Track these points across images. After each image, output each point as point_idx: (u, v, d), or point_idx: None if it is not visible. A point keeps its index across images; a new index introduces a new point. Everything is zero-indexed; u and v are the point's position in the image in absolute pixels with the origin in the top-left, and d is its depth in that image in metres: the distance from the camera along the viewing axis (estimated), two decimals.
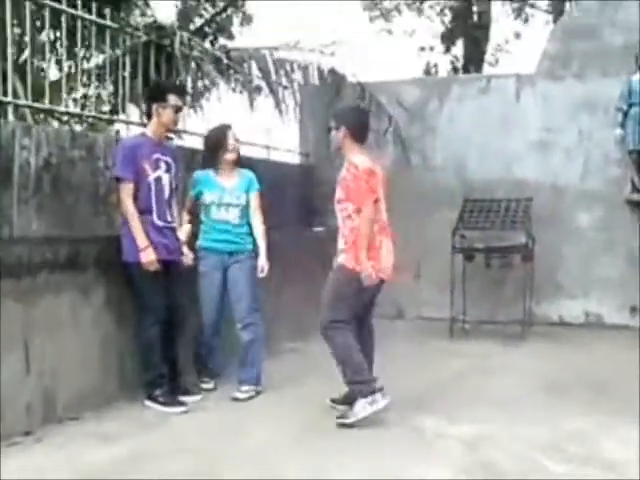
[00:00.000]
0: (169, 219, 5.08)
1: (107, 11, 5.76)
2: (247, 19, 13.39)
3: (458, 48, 14.79)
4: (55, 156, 5.11)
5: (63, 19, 5.40)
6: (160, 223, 4.99)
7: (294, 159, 9.25)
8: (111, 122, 6.60)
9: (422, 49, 16.83)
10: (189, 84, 6.47)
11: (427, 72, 15.27)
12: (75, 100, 7.49)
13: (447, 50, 14.68)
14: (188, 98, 6.59)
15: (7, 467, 3.82)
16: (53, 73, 6.99)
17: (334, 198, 4.92)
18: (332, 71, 7.67)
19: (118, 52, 6.00)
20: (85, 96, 6.73)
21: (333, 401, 5.00)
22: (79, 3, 5.44)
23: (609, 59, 8.26)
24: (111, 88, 6.21)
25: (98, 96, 6.54)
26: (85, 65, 6.24)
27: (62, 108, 5.55)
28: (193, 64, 6.33)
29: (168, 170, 5.10)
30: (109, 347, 4.98)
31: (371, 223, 4.68)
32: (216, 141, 5.49)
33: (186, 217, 5.50)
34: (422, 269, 8.80)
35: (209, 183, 5.46)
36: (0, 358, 4.14)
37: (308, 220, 8.43)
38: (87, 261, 4.84)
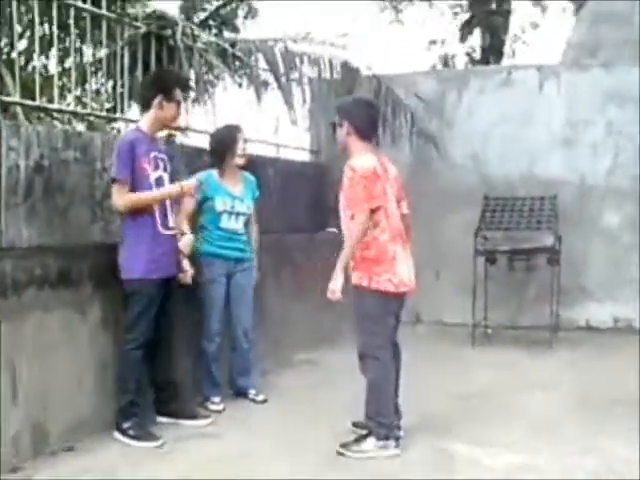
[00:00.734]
0: (171, 225, 4.61)
1: (103, 0, 5.31)
2: (252, 12, 12.92)
3: (475, 38, 14.29)
4: (47, 158, 4.65)
5: (54, 8, 4.94)
6: (164, 231, 4.51)
7: (304, 157, 8.81)
8: (110, 120, 6.12)
9: (433, 42, 16.37)
10: (192, 77, 5.98)
11: (445, 64, 14.77)
12: (77, 98, 7.09)
13: (462, 39, 14.07)
14: (192, 93, 6.12)
15: None
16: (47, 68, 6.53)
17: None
18: (345, 64, 7.19)
19: (116, 44, 5.54)
20: (80, 93, 6.26)
21: (355, 425, 4.55)
22: None
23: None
24: (109, 83, 5.75)
25: (96, 92, 6.09)
26: (80, 59, 5.76)
27: (54, 105, 5.08)
28: (197, 56, 5.86)
29: (165, 169, 4.62)
30: (107, 369, 4.51)
31: (363, 232, 4.15)
32: (224, 144, 5.16)
33: (186, 225, 5.00)
34: (441, 271, 8.36)
35: (217, 188, 5.12)
36: None
37: (320, 221, 7.98)
38: (82, 274, 4.40)
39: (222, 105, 6.84)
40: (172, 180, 4.66)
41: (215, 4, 12.44)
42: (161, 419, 4.75)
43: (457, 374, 6.13)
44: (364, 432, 4.31)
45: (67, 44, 5.28)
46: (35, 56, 5.36)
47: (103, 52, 5.48)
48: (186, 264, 4.84)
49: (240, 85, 7.23)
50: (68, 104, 5.80)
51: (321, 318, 6.80)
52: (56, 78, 5.10)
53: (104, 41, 5.33)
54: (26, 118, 6.09)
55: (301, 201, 7.81)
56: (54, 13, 4.98)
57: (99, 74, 5.56)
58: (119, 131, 7.20)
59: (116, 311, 4.55)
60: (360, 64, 7.38)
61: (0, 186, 4.34)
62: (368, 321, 4.24)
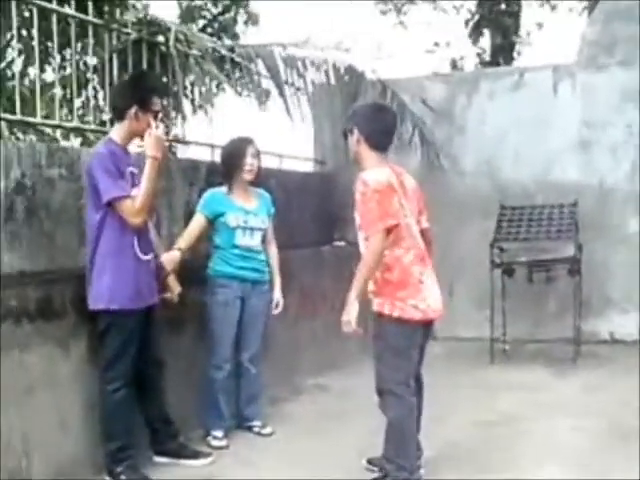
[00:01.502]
0: (151, 249, 4.18)
1: (89, 5, 4.92)
2: (253, 18, 12.59)
3: (483, 39, 13.84)
4: (29, 176, 4.26)
5: (34, 14, 4.56)
6: (143, 257, 4.06)
7: (309, 167, 8.42)
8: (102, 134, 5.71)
9: (437, 44, 15.97)
10: (186, 86, 5.59)
11: (453, 66, 14.34)
12: (70, 111, 6.71)
13: (473, 42, 13.64)
14: (171, 100, 5.68)
15: None
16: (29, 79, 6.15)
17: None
18: (349, 68, 6.80)
19: (104, 52, 5.16)
20: (65, 106, 5.88)
21: (370, 462, 4.14)
22: None
23: None
24: (96, 94, 5.37)
25: (83, 104, 5.71)
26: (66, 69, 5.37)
27: (37, 120, 4.69)
28: (192, 63, 5.47)
29: (139, 185, 4.11)
30: (94, 408, 4.08)
31: (377, 257, 3.67)
32: (231, 159, 4.83)
33: (184, 242, 4.66)
34: (455, 285, 7.94)
35: (229, 203, 4.80)
36: None
37: (328, 234, 7.60)
38: (64, 305, 4.00)
39: (221, 115, 6.48)
40: None
41: (214, 11, 12.15)
42: (159, 459, 4.35)
43: (476, 397, 5.71)
44: (379, 474, 3.90)
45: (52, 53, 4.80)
46: (15, 65, 4.95)
47: (90, 61, 5.08)
48: (172, 282, 4.44)
49: (240, 93, 6.86)
50: (61, 117, 5.41)
51: (330, 340, 6.40)
52: (38, 89, 4.69)
53: (90, 49, 4.93)
54: (11, 134, 5.70)
55: (306, 214, 7.41)
56: (34, 19, 4.59)
57: (89, 85, 5.12)
58: None
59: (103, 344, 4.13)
60: (365, 68, 7.00)
61: None
62: (389, 354, 3.77)
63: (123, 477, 3.97)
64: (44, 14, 4.70)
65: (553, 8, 14.32)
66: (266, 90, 6.78)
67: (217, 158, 5.82)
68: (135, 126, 4.06)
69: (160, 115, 4.19)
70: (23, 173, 4.23)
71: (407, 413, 3.81)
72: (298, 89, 6.52)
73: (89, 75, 5.41)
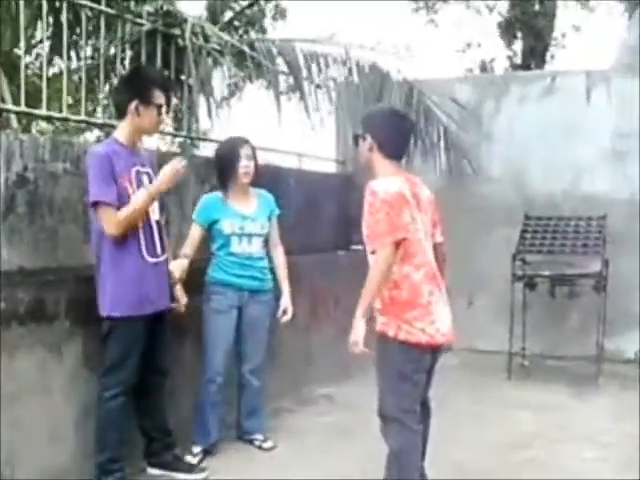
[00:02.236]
0: (159, 252, 3.96)
1: None
2: (280, 12, 12.37)
3: (517, 41, 13.49)
4: (32, 170, 4.08)
5: (44, 2, 4.38)
6: (150, 259, 3.88)
7: (330, 168, 8.19)
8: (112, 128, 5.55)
9: (469, 45, 15.69)
10: (202, 81, 5.37)
11: (483, 69, 14.03)
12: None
13: (507, 44, 13.30)
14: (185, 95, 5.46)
15: None
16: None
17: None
18: (374, 67, 6.56)
19: (117, 44, 4.97)
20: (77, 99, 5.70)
21: None
22: None
23: None
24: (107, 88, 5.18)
25: (90, 98, 5.52)
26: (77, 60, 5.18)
27: (42, 112, 4.51)
28: (207, 58, 5.26)
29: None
30: (88, 417, 3.89)
31: (385, 272, 3.41)
32: (225, 161, 4.56)
33: (189, 249, 4.47)
34: (475, 296, 7.70)
35: (224, 209, 4.55)
36: None
37: (346, 237, 7.37)
38: (58, 306, 3.81)
39: (241, 111, 6.29)
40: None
41: (242, 4, 11.94)
42: (152, 471, 4.16)
43: (491, 416, 5.48)
44: None
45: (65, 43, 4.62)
46: (21, 56, 4.76)
47: (102, 51, 4.88)
48: (179, 291, 4.24)
49: (261, 89, 6.66)
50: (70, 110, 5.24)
51: (342, 348, 6.17)
52: (45, 81, 4.51)
53: (102, 41, 4.74)
54: (25, 128, 5.52)
55: (324, 216, 7.19)
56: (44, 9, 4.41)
57: (100, 77, 4.92)
58: None
59: (100, 350, 3.92)
60: (390, 67, 6.75)
61: None
62: (393, 379, 3.51)
63: None
64: (55, 4, 4.52)
65: (591, 10, 13.87)
66: (288, 87, 6.58)
67: None
68: (138, 122, 3.88)
69: (165, 110, 3.98)
70: (25, 166, 4.06)
71: (411, 442, 3.56)
72: (319, 86, 6.30)
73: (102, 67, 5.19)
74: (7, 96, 5.35)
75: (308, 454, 4.63)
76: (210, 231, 4.58)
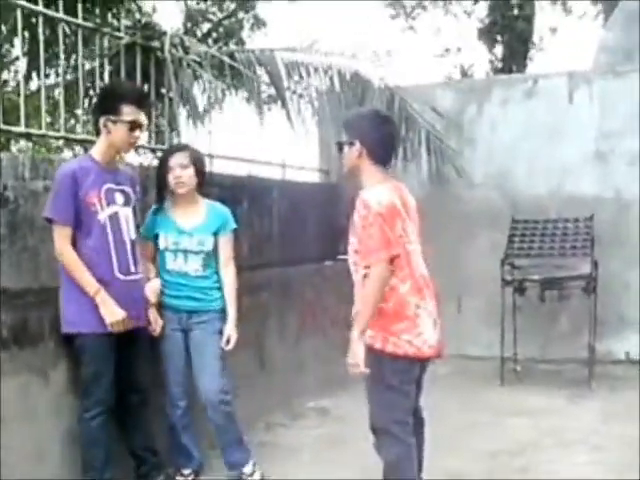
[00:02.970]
0: (133, 270, 3.86)
1: (79, 8, 4.64)
2: (259, 23, 12.31)
3: (496, 45, 13.47)
4: (12, 189, 3.98)
5: (19, 17, 4.29)
6: (123, 277, 3.78)
7: (314, 177, 8.13)
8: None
9: (447, 50, 15.70)
10: (182, 93, 5.29)
11: (463, 73, 14.01)
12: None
13: (488, 48, 13.25)
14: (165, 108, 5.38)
15: None
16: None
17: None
18: (355, 75, 6.50)
19: (94, 58, 4.89)
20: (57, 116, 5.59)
21: None
22: None
23: None
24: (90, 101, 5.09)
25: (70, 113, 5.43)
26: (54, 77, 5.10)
27: (21, 129, 4.41)
28: (187, 69, 5.18)
29: (127, 203, 3.88)
30: (74, 443, 3.78)
31: (380, 289, 3.31)
32: (158, 170, 4.27)
33: (152, 268, 4.25)
34: (464, 301, 7.65)
35: (162, 222, 4.26)
36: None
37: (333, 247, 7.30)
38: (42, 327, 3.72)
39: (222, 124, 6.19)
40: (136, 213, 3.98)
41: (220, 15, 11.87)
42: None
43: (485, 423, 5.42)
44: None
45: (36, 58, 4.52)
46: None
47: (81, 66, 4.79)
48: (153, 314, 4.09)
49: (243, 100, 6.57)
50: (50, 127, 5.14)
51: (333, 359, 6.11)
52: (22, 98, 4.41)
53: (80, 55, 4.65)
54: (3, 146, 5.43)
55: (309, 227, 7.12)
56: (19, 22, 4.31)
57: (80, 92, 4.83)
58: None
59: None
60: (372, 75, 6.69)
61: None
62: (382, 391, 3.42)
63: None
64: (29, 17, 4.43)
65: (568, 12, 13.88)
66: (269, 97, 6.51)
67: (214, 169, 5.55)
68: (110, 139, 3.80)
69: (140, 125, 3.87)
70: (4, 185, 3.95)
71: (405, 455, 3.47)
72: (301, 96, 6.23)
73: (80, 82, 5.11)
74: None
75: (301, 468, 4.53)
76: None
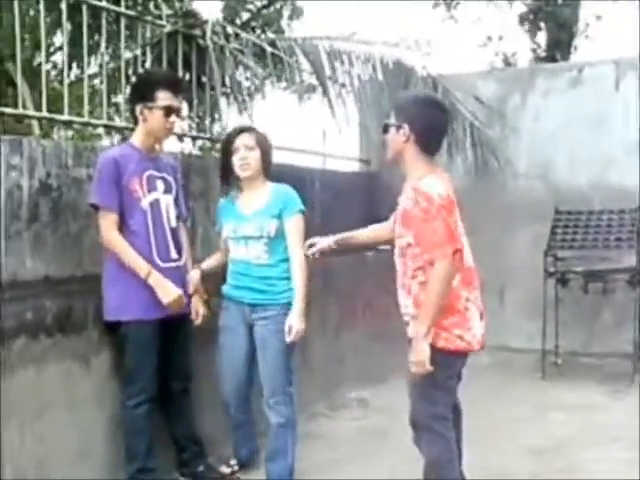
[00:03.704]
0: (174, 256, 3.86)
1: None
2: (297, 12, 12.26)
3: (539, 33, 13.25)
4: (55, 177, 3.99)
5: (64, 6, 4.29)
6: (162, 264, 3.77)
7: (354, 167, 8.08)
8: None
9: (489, 39, 15.49)
10: (227, 81, 5.26)
11: (506, 63, 13.82)
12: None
13: (531, 36, 13.03)
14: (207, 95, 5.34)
15: None
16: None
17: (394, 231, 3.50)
18: (398, 63, 6.42)
19: (137, 46, 4.88)
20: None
21: None
22: None
23: None
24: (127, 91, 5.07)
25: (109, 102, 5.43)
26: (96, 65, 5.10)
27: (64, 117, 4.42)
28: (229, 57, 5.15)
29: (168, 191, 3.89)
30: (117, 430, 3.81)
31: (449, 284, 3.19)
32: (222, 153, 4.11)
33: (208, 261, 4.22)
34: (505, 293, 7.55)
35: (227, 210, 4.13)
36: None
37: None
38: (86, 315, 3.73)
39: (263, 111, 6.18)
40: (177, 201, 3.98)
41: (258, 5, 11.86)
42: None
43: (526, 418, 5.35)
44: None
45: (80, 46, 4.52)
46: (42, 59, 4.68)
47: (123, 54, 4.79)
48: (195, 302, 4.04)
49: (283, 89, 6.55)
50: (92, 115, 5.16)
51: (374, 350, 6.08)
52: (65, 86, 4.43)
53: (122, 43, 4.64)
54: (45, 134, 5.46)
55: (350, 217, 7.05)
56: (64, 12, 4.31)
57: (121, 80, 4.83)
58: None
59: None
60: (414, 63, 6.62)
61: None
62: (428, 386, 3.31)
63: None
64: (73, 6, 4.43)
65: None
66: (310, 86, 6.47)
67: None
68: (148, 126, 3.83)
69: (175, 110, 3.87)
70: (48, 173, 3.96)
71: (446, 450, 3.40)
72: (343, 85, 6.17)
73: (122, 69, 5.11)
74: (29, 103, 5.29)
75: (343, 459, 4.51)
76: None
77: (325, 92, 5.94)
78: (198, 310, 4.06)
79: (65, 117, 4.44)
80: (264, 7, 11.51)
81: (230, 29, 5.35)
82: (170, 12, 5.27)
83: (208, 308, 4.15)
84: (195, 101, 5.23)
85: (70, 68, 5.61)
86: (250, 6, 11.59)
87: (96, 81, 5.50)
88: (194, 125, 5.45)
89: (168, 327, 3.81)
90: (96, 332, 3.78)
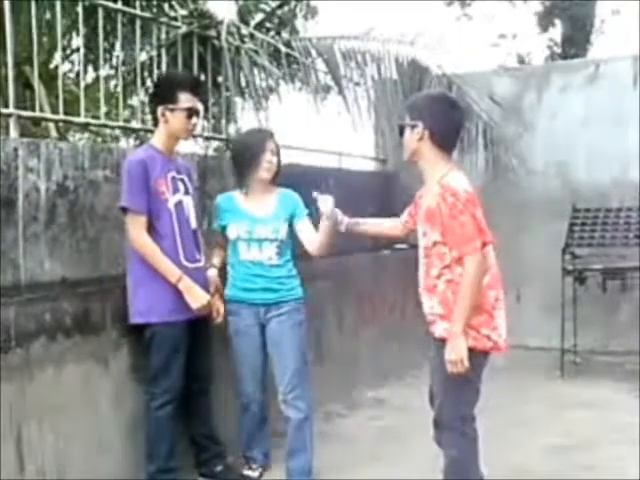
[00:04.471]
0: (198, 257, 3.89)
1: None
2: (312, 11, 12.23)
3: (553, 30, 13.15)
4: (72, 178, 4.01)
5: (80, 9, 4.31)
6: (189, 265, 3.79)
7: (369, 166, 8.07)
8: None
9: (503, 36, 15.42)
10: (242, 82, 5.28)
11: (521, 61, 13.73)
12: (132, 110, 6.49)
13: (544, 30, 12.90)
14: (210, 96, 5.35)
15: None
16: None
17: (418, 229, 3.48)
18: (413, 62, 6.42)
19: (152, 47, 4.90)
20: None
21: None
22: None
23: None
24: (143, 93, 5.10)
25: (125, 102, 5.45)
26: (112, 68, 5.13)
27: (81, 119, 4.45)
28: (245, 58, 5.15)
29: (187, 192, 3.92)
30: (137, 430, 3.82)
31: (479, 282, 3.17)
32: (248, 154, 4.08)
33: (216, 259, 4.22)
34: (523, 291, 7.52)
35: (234, 211, 4.13)
36: None
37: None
38: (104, 316, 3.74)
39: (277, 111, 6.17)
40: (194, 203, 4.00)
41: (272, 5, 11.84)
42: None
43: (546, 416, 5.34)
44: None
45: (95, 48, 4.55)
46: (58, 60, 4.71)
47: (138, 56, 4.81)
48: (215, 301, 4.03)
49: (298, 89, 6.54)
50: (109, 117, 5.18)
51: (391, 349, 6.07)
52: (82, 89, 4.45)
53: (138, 45, 4.66)
54: (61, 137, 5.48)
55: (366, 216, 7.04)
56: (80, 15, 4.34)
57: (137, 82, 4.85)
58: None
59: (147, 359, 3.86)
60: (429, 62, 6.60)
61: (17, 212, 3.72)
62: (455, 386, 3.28)
63: None
64: (90, 10, 4.46)
65: None
66: (325, 85, 6.46)
67: None
68: (169, 127, 3.84)
69: (196, 112, 3.89)
70: (65, 175, 3.99)
71: (470, 450, 3.38)
72: (357, 84, 6.17)
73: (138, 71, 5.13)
74: (46, 106, 5.31)
75: (360, 459, 4.50)
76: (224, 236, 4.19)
77: (340, 91, 5.93)
78: (219, 309, 4.07)
79: (81, 119, 4.47)
80: (278, 7, 11.49)
81: (245, 30, 5.36)
82: (185, 13, 5.28)
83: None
84: (210, 102, 5.24)
85: (86, 71, 5.62)
86: (264, 6, 11.58)
87: (112, 83, 5.51)
88: (209, 126, 5.45)
89: (191, 328, 3.83)
90: (114, 333, 3.79)
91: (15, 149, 3.71)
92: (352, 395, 5.70)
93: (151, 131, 4.25)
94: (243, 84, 5.49)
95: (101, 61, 4.52)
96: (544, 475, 4.21)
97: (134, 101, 5.86)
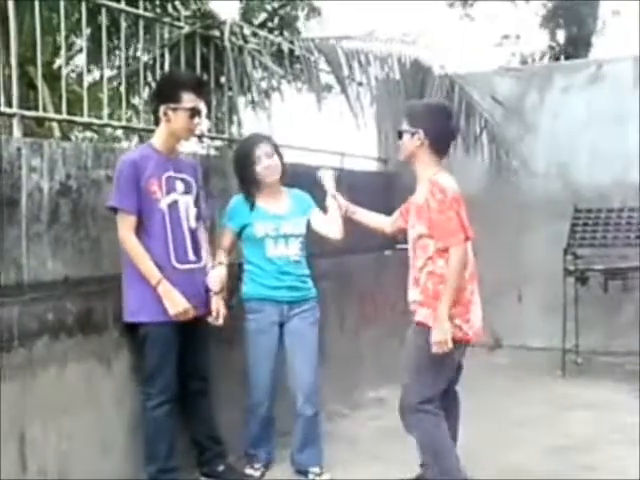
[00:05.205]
0: (192, 258, 3.86)
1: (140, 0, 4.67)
2: (314, 11, 12.28)
3: (556, 31, 13.15)
4: (74, 178, 4.02)
5: (83, 9, 4.32)
6: (180, 266, 3.78)
7: (371, 166, 8.07)
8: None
9: (506, 37, 15.41)
10: (245, 82, 5.28)
11: (523, 62, 13.73)
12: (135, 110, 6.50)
13: (550, 34, 12.89)
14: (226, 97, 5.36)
15: None
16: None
17: (407, 223, 3.83)
18: (415, 62, 6.42)
19: (155, 47, 4.91)
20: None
21: None
22: None
23: None
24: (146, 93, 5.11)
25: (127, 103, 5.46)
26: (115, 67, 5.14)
27: (83, 119, 4.46)
28: (248, 58, 5.16)
29: (187, 191, 3.90)
30: (138, 429, 3.84)
31: (462, 271, 3.49)
32: (243, 162, 4.18)
33: (223, 258, 4.20)
34: (524, 291, 7.53)
35: (254, 211, 4.19)
36: None
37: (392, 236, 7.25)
38: (106, 315, 3.76)
39: (280, 112, 6.18)
40: (197, 202, 3.99)
41: (275, 5, 11.88)
42: None
43: (547, 417, 5.34)
44: None
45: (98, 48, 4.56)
46: (62, 61, 4.73)
47: (141, 56, 4.83)
48: (216, 302, 4.01)
49: (300, 89, 6.56)
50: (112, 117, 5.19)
51: (393, 349, 6.06)
52: (85, 89, 4.46)
53: (141, 45, 4.68)
54: (64, 137, 5.50)
55: None
56: (83, 15, 4.35)
57: (140, 82, 4.86)
58: None
59: (143, 359, 3.87)
60: (432, 62, 6.61)
61: (20, 212, 3.74)
62: (423, 369, 3.57)
63: None
64: (93, 9, 4.47)
65: None
66: (328, 85, 6.47)
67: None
68: (171, 127, 3.84)
69: (199, 112, 3.90)
70: (68, 174, 3.99)
71: (435, 425, 3.60)
72: (360, 84, 6.18)
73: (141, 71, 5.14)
74: (49, 106, 5.33)
75: (362, 459, 4.51)
76: (241, 237, 4.25)
77: (343, 91, 5.94)
78: (219, 310, 4.03)
79: (84, 119, 4.48)
80: (281, 7, 11.53)
81: (247, 29, 5.37)
82: (188, 13, 5.29)
83: (227, 308, 4.17)
84: (213, 102, 5.26)
85: (89, 71, 5.64)
86: (267, 6, 11.62)
87: (115, 83, 5.52)
88: (212, 126, 5.47)
89: (186, 328, 3.82)
90: (116, 332, 3.81)
91: (18, 149, 3.72)
92: (353, 395, 5.71)
93: (153, 131, 4.26)
94: (246, 84, 5.49)
95: (104, 61, 4.51)
96: (544, 475, 4.22)
97: (137, 101, 5.87)
